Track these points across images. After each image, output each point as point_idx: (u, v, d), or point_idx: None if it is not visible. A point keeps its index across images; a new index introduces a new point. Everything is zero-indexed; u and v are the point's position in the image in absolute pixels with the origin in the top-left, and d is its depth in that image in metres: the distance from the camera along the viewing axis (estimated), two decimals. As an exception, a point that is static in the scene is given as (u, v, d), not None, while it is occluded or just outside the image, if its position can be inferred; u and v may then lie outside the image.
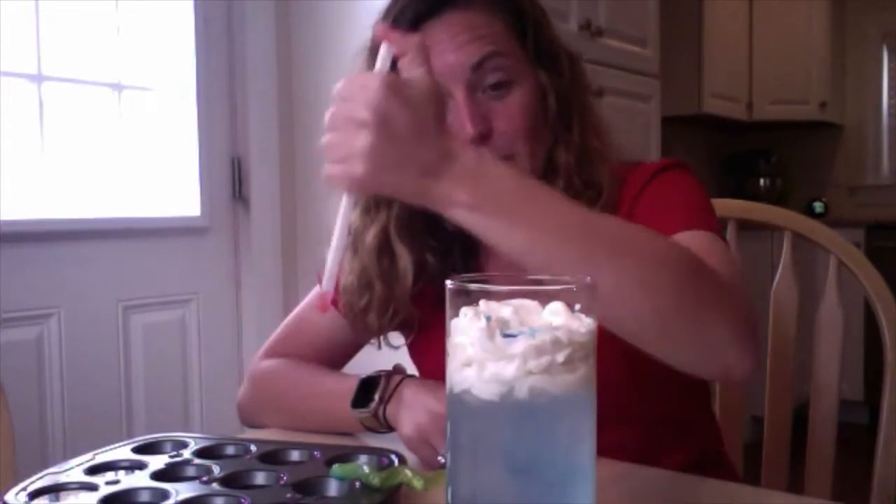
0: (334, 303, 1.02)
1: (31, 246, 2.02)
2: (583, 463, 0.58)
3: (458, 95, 0.94)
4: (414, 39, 0.73)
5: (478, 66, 0.94)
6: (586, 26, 2.69)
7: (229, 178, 2.46)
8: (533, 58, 0.99)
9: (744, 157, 4.88)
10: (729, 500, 0.83)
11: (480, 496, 0.58)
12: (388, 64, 0.72)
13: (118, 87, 2.25)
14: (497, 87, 0.96)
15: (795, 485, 1.20)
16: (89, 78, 2.18)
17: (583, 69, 1.06)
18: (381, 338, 1.10)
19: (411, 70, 0.71)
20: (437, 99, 0.71)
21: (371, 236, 1.02)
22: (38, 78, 2.07)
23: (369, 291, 1.03)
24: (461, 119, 0.94)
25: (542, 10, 1.03)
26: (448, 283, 0.60)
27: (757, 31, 4.42)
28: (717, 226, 0.96)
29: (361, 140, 0.67)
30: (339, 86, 0.70)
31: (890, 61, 4.87)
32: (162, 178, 2.35)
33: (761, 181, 4.81)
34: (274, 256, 2.49)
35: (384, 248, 1.02)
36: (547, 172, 0.99)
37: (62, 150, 2.12)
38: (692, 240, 0.87)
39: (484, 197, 0.69)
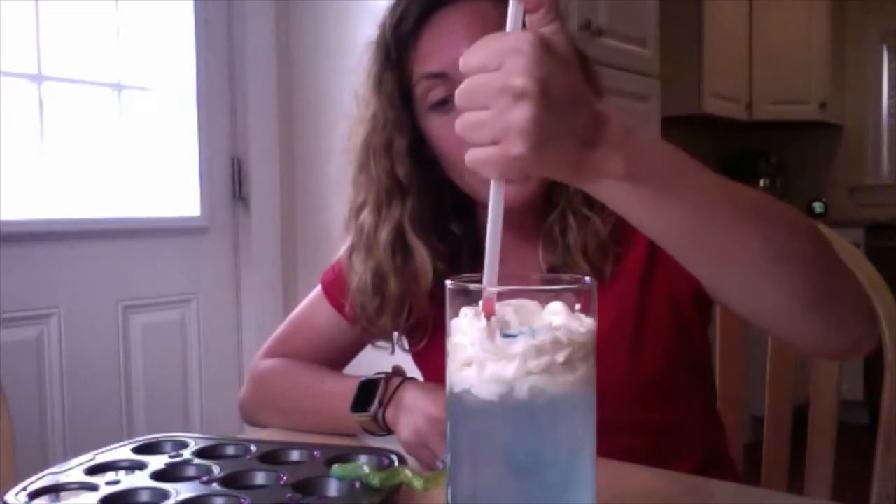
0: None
1: (31, 246, 2.02)
2: (583, 463, 0.58)
3: None
4: None
5: None
6: (586, 26, 2.69)
7: (229, 178, 2.46)
8: None
9: (744, 157, 4.87)
10: (729, 501, 0.83)
11: (480, 496, 0.58)
12: (520, 23, 0.61)
13: (118, 87, 2.25)
14: None
15: (795, 485, 1.20)
16: (89, 78, 2.18)
17: (596, 72, 1.01)
18: (395, 340, 1.09)
19: (546, 24, 0.62)
20: (576, 60, 0.62)
21: (385, 233, 1.00)
22: (38, 78, 2.07)
23: (384, 290, 1.01)
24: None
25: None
26: (448, 283, 0.60)
27: (757, 31, 4.42)
28: None
29: (521, 113, 0.57)
30: (473, 56, 0.59)
31: (890, 61, 4.87)
32: (162, 178, 2.35)
33: (761, 181, 4.81)
34: (274, 256, 2.49)
35: (399, 245, 1.00)
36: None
37: (62, 150, 2.12)
38: None
39: (637, 165, 0.62)
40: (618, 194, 0.64)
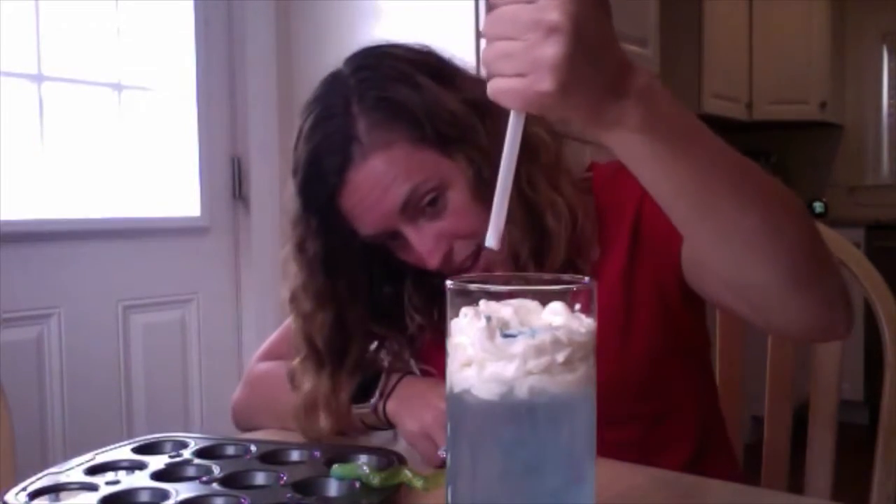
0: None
1: (31, 246, 2.02)
2: (583, 462, 0.59)
3: (405, 233, 0.93)
4: None
5: (404, 207, 0.92)
6: (586, 26, 2.69)
7: (229, 178, 2.46)
8: (444, 149, 0.92)
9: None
10: (729, 500, 0.83)
11: (480, 496, 0.58)
12: None
13: (118, 87, 2.25)
14: (431, 204, 0.92)
15: (795, 485, 1.20)
16: (89, 78, 2.19)
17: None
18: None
19: None
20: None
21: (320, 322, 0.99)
22: (38, 78, 2.07)
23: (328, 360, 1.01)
24: (418, 257, 0.94)
25: (428, 84, 0.93)
26: (448, 282, 0.60)
27: (757, 31, 4.42)
28: None
29: (553, 49, 0.56)
30: None
31: (890, 61, 4.86)
32: (162, 178, 2.35)
33: (761, 181, 4.81)
34: (274, 256, 2.48)
35: (335, 337, 0.99)
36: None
37: (62, 150, 2.12)
38: None
39: (654, 120, 0.62)
40: (631, 146, 0.64)
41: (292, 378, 1.01)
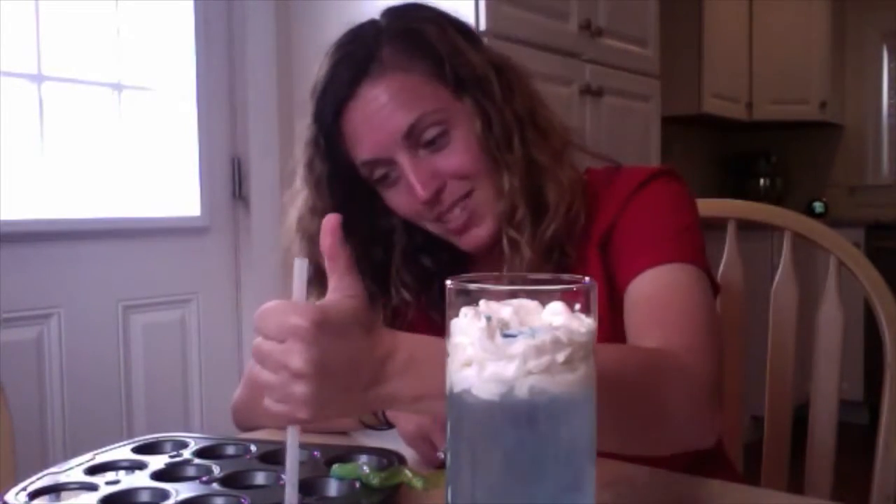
0: None
1: (31, 246, 2.02)
2: (583, 463, 0.58)
3: (401, 163, 0.95)
4: (330, 239, 0.67)
5: (409, 133, 0.94)
6: (586, 26, 2.69)
7: (229, 178, 2.46)
8: (457, 90, 0.97)
9: (744, 157, 4.88)
10: (729, 501, 0.83)
11: (480, 496, 0.58)
12: (304, 284, 0.66)
13: (118, 87, 2.25)
14: (434, 140, 0.95)
15: (795, 485, 1.20)
16: (89, 78, 2.19)
17: (519, 75, 1.03)
18: None
19: (337, 279, 0.67)
20: (361, 308, 0.66)
21: None
22: (38, 78, 2.07)
23: None
24: (410, 186, 0.96)
25: (455, 35, 0.99)
26: (448, 282, 0.60)
27: (757, 31, 4.42)
28: (702, 245, 0.97)
29: (300, 389, 0.62)
30: (264, 320, 0.63)
31: (890, 61, 4.86)
32: (162, 178, 2.35)
33: (761, 181, 4.81)
34: (274, 256, 2.49)
35: None
36: (503, 200, 0.98)
37: (62, 150, 2.12)
38: (675, 276, 0.92)
39: (425, 386, 0.66)
40: (417, 411, 0.71)
41: None
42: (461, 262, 1.06)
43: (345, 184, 1.02)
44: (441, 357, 0.60)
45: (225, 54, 2.45)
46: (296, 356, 0.62)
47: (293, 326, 0.62)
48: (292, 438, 0.65)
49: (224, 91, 2.44)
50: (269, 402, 0.65)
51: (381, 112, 0.94)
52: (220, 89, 2.43)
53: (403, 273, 1.06)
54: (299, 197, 1.05)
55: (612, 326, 0.96)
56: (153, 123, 2.32)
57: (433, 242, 1.05)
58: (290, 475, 0.64)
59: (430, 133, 0.95)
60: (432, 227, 1.01)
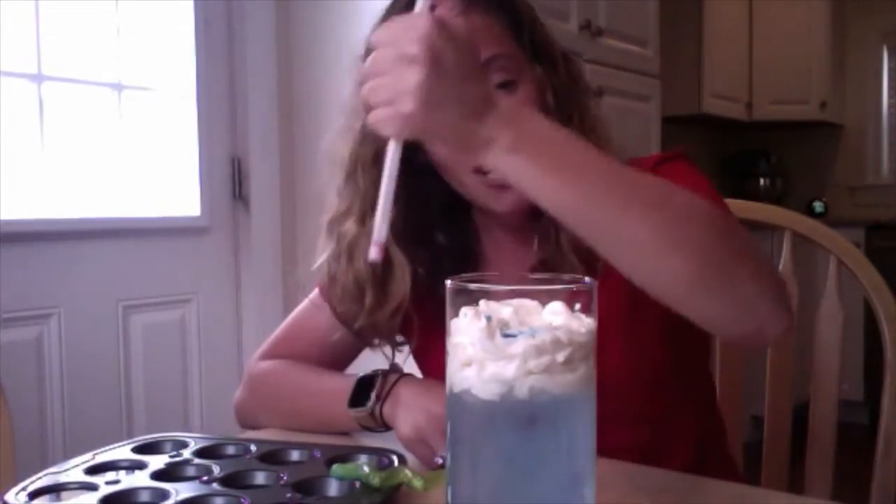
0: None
1: (31, 246, 2.02)
2: (583, 462, 0.58)
3: None
4: None
5: (485, 65, 0.92)
6: (586, 26, 2.69)
7: (229, 178, 2.46)
8: (531, 56, 0.98)
9: (744, 157, 4.87)
10: (729, 500, 0.83)
11: (480, 496, 0.58)
12: (427, 7, 0.69)
13: (118, 87, 2.25)
14: (502, 87, 0.94)
15: (795, 485, 1.20)
16: (89, 78, 2.18)
17: (580, 70, 1.05)
18: (385, 348, 1.09)
19: (450, 19, 0.70)
20: (475, 47, 0.70)
21: (367, 243, 1.00)
22: (38, 78, 2.07)
23: (362, 299, 1.02)
24: None
25: (535, 12, 1.03)
26: (448, 282, 0.60)
27: (757, 31, 4.42)
28: (728, 210, 0.95)
29: (412, 76, 0.64)
30: (378, 33, 0.67)
31: (890, 61, 4.86)
32: (162, 178, 2.35)
33: (761, 181, 4.81)
34: (274, 256, 2.49)
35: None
36: None
37: (62, 150, 2.12)
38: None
39: (526, 140, 0.68)
40: (509, 167, 0.69)
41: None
42: (470, 261, 1.05)
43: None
44: (549, 131, 0.69)
45: (225, 54, 2.45)
46: (411, 43, 0.64)
47: (410, 24, 0.66)
48: (392, 153, 0.67)
49: (224, 91, 2.44)
50: (372, 114, 0.67)
51: None
52: (220, 89, 2.43)
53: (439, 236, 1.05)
54: (347, 136, 1.03)
55: (630, 325, 0.96)
56: (153, 123, 2.32)
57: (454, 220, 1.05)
58: (385, 202, 0.67)
59: (500, 77, 0.94)
60: (471, 182, 0.97)
